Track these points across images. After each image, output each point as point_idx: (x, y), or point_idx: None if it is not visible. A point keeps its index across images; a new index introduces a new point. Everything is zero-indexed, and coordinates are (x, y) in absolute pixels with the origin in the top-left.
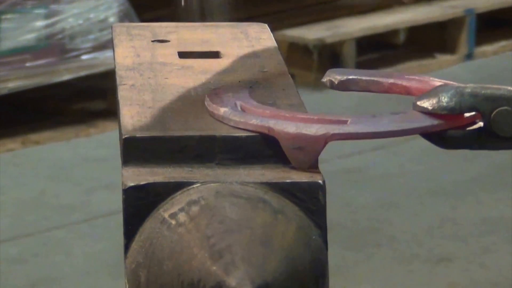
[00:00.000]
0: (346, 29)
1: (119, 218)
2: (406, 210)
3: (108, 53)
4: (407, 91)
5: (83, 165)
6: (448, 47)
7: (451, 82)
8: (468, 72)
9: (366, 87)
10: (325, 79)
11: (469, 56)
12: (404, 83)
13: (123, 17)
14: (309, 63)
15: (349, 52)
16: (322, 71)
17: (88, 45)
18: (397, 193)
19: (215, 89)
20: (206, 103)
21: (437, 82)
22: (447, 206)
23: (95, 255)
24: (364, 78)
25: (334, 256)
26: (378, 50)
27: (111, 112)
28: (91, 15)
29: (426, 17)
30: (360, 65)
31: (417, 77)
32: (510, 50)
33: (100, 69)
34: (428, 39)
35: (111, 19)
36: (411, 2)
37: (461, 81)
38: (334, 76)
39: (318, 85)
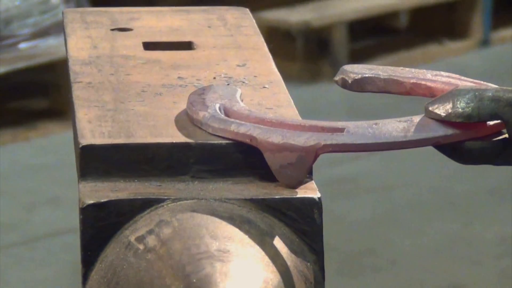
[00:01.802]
0: (336, 10)
1: (67, 239)
2: (409, 227)
3: (51, 41)
4: (431, 93)
5: (22, 176)
6: (458, 31)
7: (483, 82)
8: (483, 62)
9: (384, 88)
10: (337, 77)
11: (484, 43)
12: (429, 83)
13: None
14: (292, 52)
15: (340, 38)
16: (308, 61)
17: (27, 31)
18: (398, 208)
19: (200, 89)
20: (187, 105)
21: (469, 83)
22: (459, 222)
23: (37, 285)
24: (382, 77)
25: (325, 283)
26: (375, 35)
27: (55, 112)
28: None
29: None
30: (353, 54)
31: (444, 76)
32: None
33: (41, 60)
34: (434, 22)
35: (54, 0)
36: None
37: (473, 72)
38: (348, 74)
39: (302, 78)
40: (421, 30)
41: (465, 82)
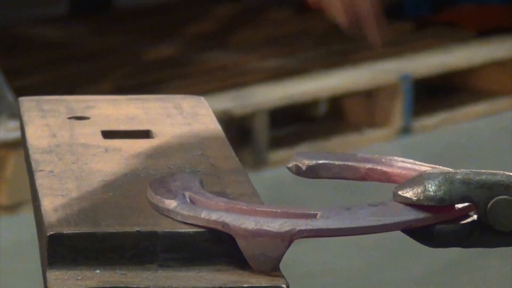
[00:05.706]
0: (257, 98)
1: None
2: None
3: None
4: (388, 178)
5: None
6: (378, 120)
7: (440, 167)
8: (404, 151)
9: (339, 174)
10: (290, 164)
11: (405, 131)
12: (385, 168)
13: None
14: None
15: (261, 126)
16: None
17: None
18: None
19: (160, 178)
20: (148, 194)
21: (424, 167)
22: None
23: None
24: (337, 163)
25: None
26: (295, 123)
27: None
28: None
29: (351, 84)
30: (273, 142)
31: (400, 161)
32: (453, 122)
33: None
34: (353, 110)
35: None
36: (335, 65)
37: None
38: (301, 160)
39: None
40: (340, 119)
41: (421, 167)
